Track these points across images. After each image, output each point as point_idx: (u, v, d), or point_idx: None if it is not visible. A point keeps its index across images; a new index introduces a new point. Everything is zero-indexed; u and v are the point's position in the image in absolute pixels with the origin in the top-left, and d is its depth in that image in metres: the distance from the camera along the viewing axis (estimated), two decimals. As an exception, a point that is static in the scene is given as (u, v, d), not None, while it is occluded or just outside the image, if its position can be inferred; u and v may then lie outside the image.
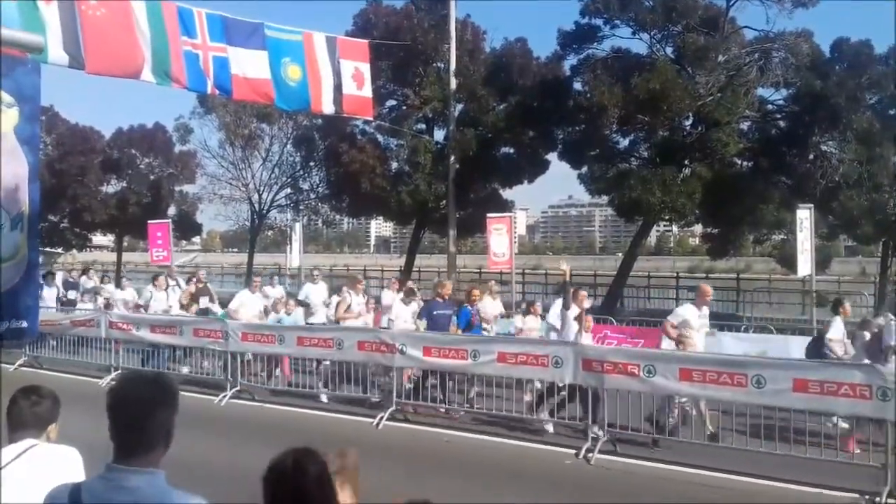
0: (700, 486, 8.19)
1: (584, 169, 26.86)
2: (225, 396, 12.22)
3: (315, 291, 15.50)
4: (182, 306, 15.32)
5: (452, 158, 22.77)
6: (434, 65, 27.69)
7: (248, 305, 14.22)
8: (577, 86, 26.07)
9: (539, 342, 10.90)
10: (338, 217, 38.83)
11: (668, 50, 25.80)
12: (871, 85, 24.11)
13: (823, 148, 23.61)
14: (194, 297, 15.27)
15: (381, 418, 10.72)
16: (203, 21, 15.10)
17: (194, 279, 16.26)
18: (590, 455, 9.13)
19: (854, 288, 28.15)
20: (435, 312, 11.73)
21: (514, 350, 10.24)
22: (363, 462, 2.85)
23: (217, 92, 16.64)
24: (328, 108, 17.71)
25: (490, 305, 13.96)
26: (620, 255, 37.03)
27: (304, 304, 14.78)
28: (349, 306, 13.60)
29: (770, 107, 25.97)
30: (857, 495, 7.75)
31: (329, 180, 31.15)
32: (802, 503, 7.71)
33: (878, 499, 7.59)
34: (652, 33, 25.76)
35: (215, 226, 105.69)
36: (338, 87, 17.77)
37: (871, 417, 8.32)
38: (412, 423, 10.83)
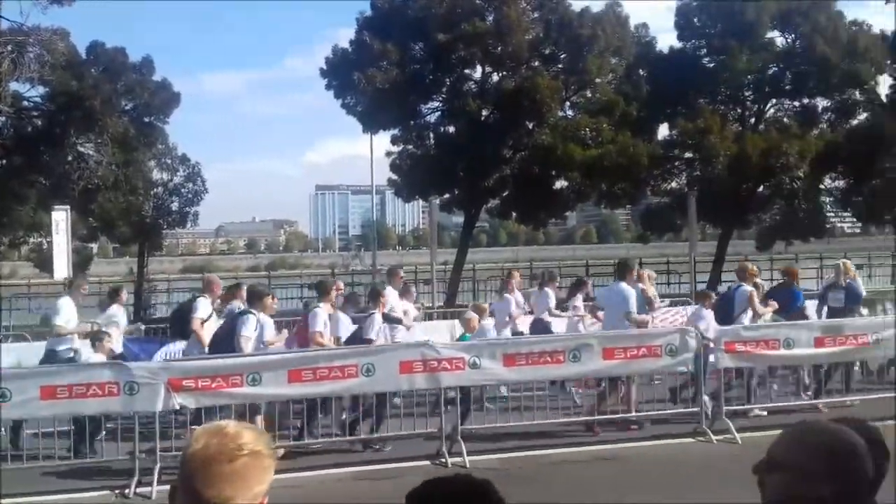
0: None
1: None
2: None
3: None
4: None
5: None
6: None
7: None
8: None
9: None
10: None
11: None
12: (127, 91, 25.32)
13: (81, 149, 23.68)
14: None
15: None
16: None
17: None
18: (127, 491, 7.70)
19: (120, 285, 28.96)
20: None
21: None
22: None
23: None
24: None
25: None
26: None
27: None
28: None
29: (26, 103, 24.75)
30: (107, 492, 7.87)
31: None
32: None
33: (126, 490, 7.83)
34: None
35: None
36: None
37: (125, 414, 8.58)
38: None
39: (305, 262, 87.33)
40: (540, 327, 11.47)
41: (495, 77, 26.56)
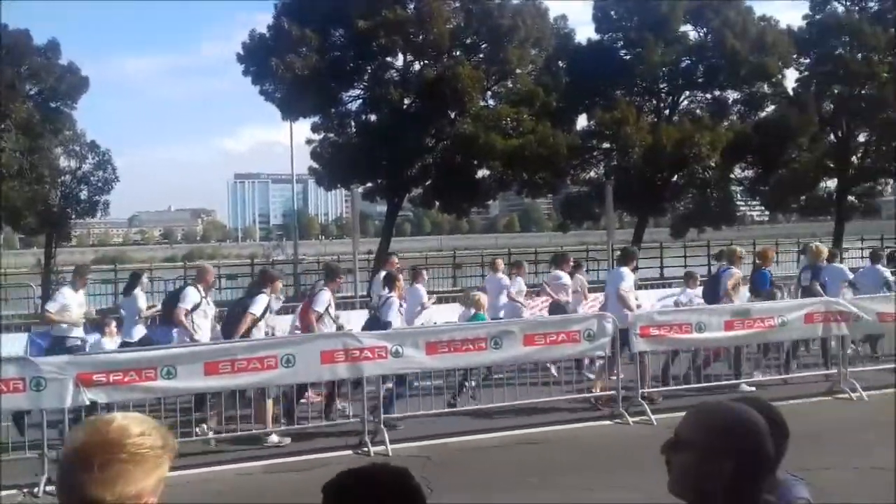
0: None
1: None
2: None
3: None
4: None
5: None
6: None
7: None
8: None
9: None
10: None
11: None
12: (31, 75, 24.23)
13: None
14: None
15: None
16: None
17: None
18: (36, 489, 7.37)
19: (23, 280, 27.78)
20: None
21: None
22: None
23: None
24: None
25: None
26: None
27: None
28: None
29: (-79, 87, 23.44)
30: (14, 490, 7.53)
31: None
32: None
33: (35, 489, 7.51)
34: None
35: None
36: None
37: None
38: None
39: (224, 252, 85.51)
40: (558, 310, 11.69)
41: (417, 66, 26.50)
